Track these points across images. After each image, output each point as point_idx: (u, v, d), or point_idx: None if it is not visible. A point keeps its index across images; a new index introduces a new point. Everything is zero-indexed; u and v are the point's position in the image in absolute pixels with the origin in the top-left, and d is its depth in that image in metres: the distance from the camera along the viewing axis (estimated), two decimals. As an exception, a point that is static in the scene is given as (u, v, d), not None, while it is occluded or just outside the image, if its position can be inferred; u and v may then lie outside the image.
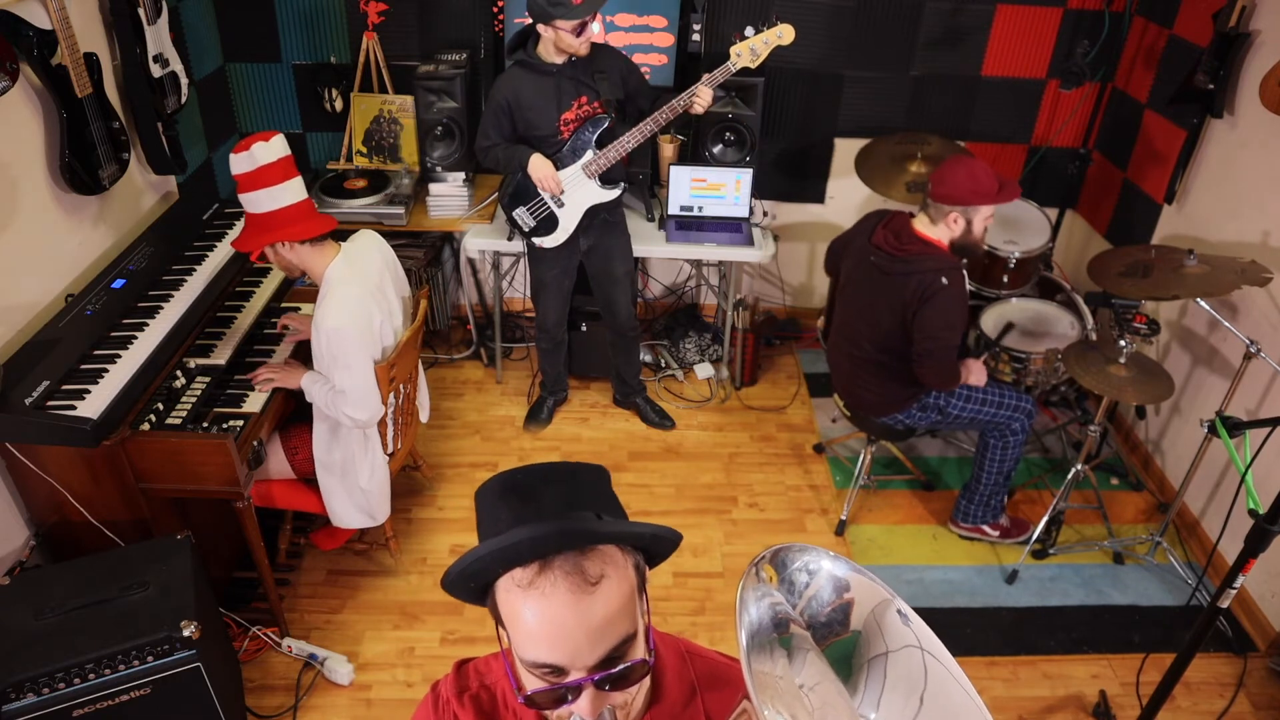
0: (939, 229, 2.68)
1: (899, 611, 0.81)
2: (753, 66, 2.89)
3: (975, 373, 2.87)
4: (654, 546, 0.98)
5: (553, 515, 0.91)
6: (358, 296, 2.38)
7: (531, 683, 0.91)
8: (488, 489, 0.97)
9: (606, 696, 0.90)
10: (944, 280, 2.60)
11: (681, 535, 0.98)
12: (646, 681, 0.97)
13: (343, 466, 2.55)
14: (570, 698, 0.89)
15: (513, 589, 0.88)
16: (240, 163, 2.28)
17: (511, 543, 0.86)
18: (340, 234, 2.51)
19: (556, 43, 2.81)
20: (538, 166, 2.96)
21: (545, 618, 0.86)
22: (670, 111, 2.89)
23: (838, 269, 3.05)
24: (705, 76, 2.88)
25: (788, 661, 0.73)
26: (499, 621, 0.94)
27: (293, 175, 2.35)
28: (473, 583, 0.93)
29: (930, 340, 2.65)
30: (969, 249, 2.72)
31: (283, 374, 2.52)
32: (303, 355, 2.67)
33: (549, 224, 3.13)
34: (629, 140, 2.95)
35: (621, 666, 0.89)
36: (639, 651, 0.92)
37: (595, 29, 2.84)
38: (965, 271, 2.72)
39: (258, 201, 2.33)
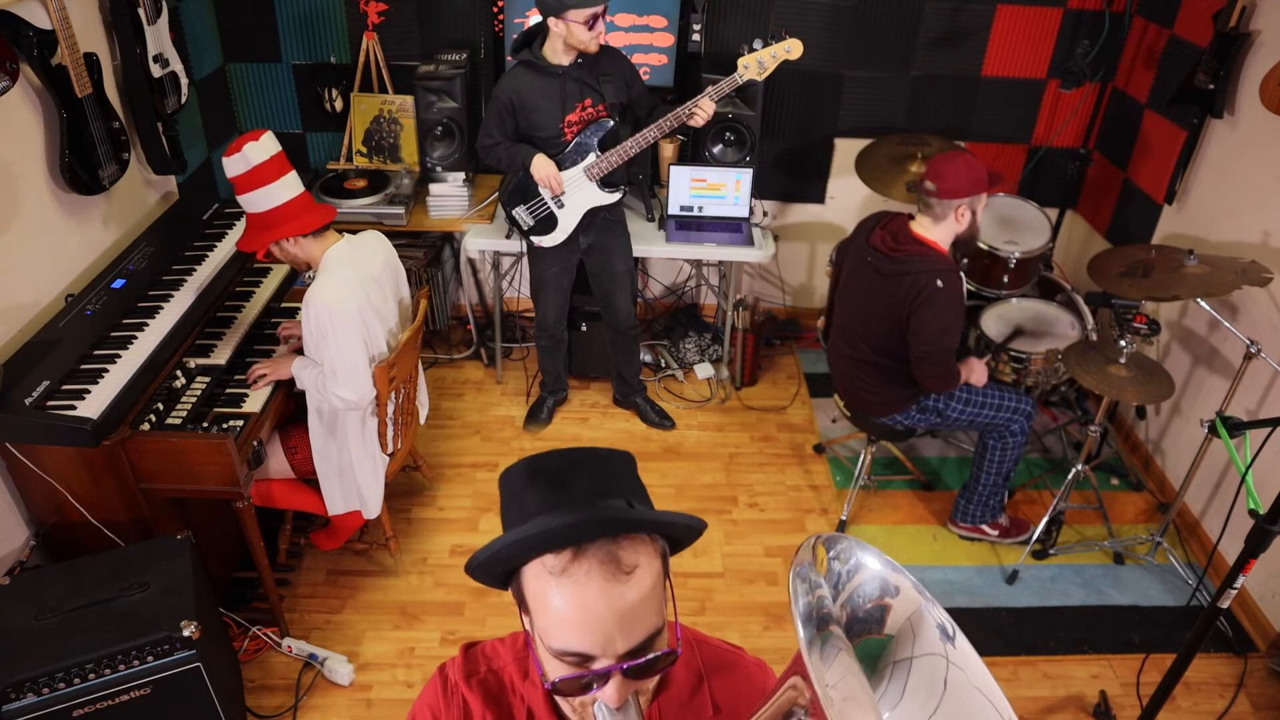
0: (942, 228, 2.67)
1: (940, 626, 0.81)
2: (759, 79, 2.89)
3: (976, 372, 2.87)
4: (680, 535, 0.97)
5: (584, 502, 0.90)
6: (350, 280, 2.39)
7: (557, 670, 0.90)
8: (513, 473, 0.96)
9: (632, 684, 0.90)
10: (939, 283, 2.60)
11: (706, 523, 0.98)
12: None
13: (338, 454, 2.55)
14: (596, 685, 0.89)
15: (544, 575, 0.87)
16: (234, 165, 2.29)
17: (548, 528, 0.85)
18: (342, 234, 2.52)
19: (567, 38, 2.80)
20: (540, 166, 2.96)
21: (578, 605, 0.86)
22: (674, 120, 2.88)
23: (838, 263, 3.06)
24: (710, 88, 2.87)
25: (820, 656, 0.74)
26: (523, 606, 0.93)
27: (286, 171, 2.36)
28: (501, 567, 0.92)
29: (926, 344, 2.65)
30: (971, 240, 2.74)
31: (274, 366, 2.53)
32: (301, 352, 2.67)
33: (548, 224, 3.13)
34: (632, 145, 2.95)
35: (650, 656, 0.89)
36: (666, 642, 0.92)
37: (603, 28, 2.83)
38: (963, 274, 2.71)
39: (256, 201, 2.34)
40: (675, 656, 0.92)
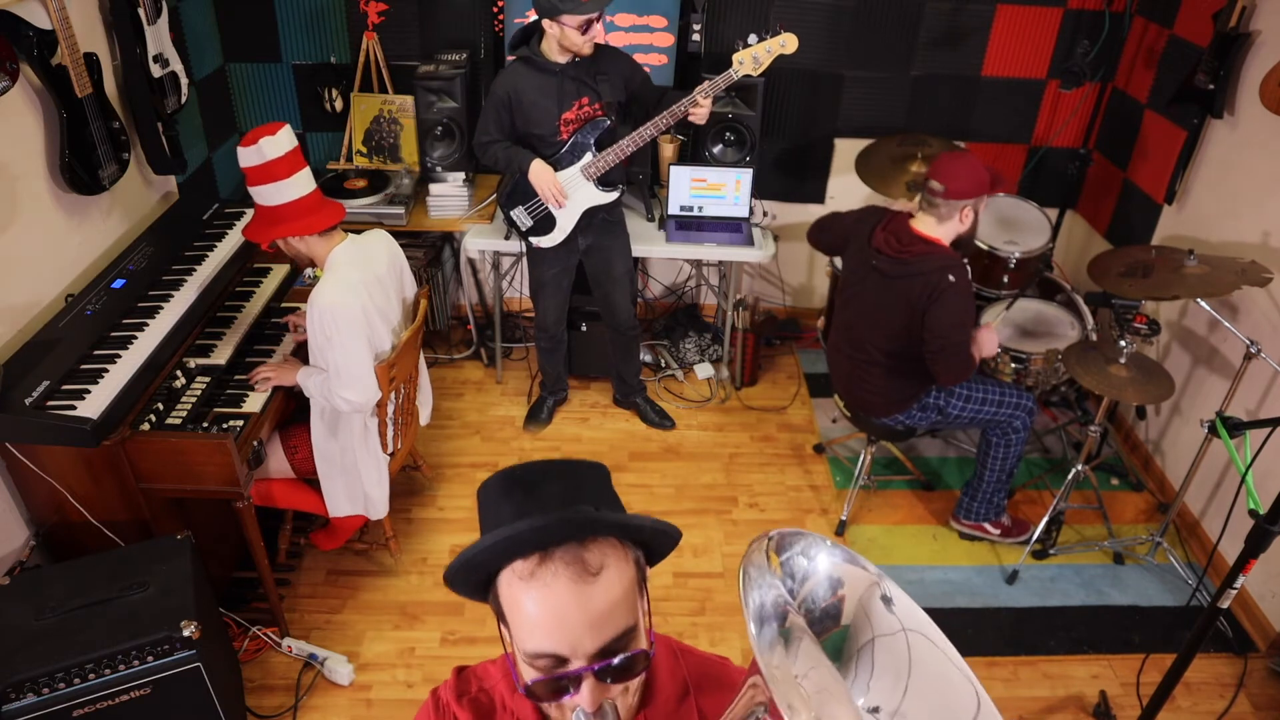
0: (946, 227, 2.67)
1: (884, 597, 0.82)
2: (755, 75, 2.89)
3: (987, 343, 2.80)
4: (654, 543, 0.98)
5: (554, 509, 0.92)
6: (354, 281, 2.39)
7: (531, 674, 0.91)
8: (489, 485, 0.98)
9: (607, 688, 0.91)
10: (950, 278, 2.60)
11: (681, 532, 0.99)
12: (641, 678, 0.97)
13: (341, 456, 2.55)
14: (571, 689, 0.89)
15: (514, 581, 0.90)
16: (248, 157, 2.29)
17: (512, 533, 0.87)
18: (347, 234, 2.52)
19: (561, 40, 2.80)
20: (539, 174, 2.95)
21: (546, 606, 0.87)
22: (670, 117, 2.88)
23: (828, 248, 3.08)
24: (706, 84, 2.87)
25: (784, 650, 0.75)
26: (501, 617, 0.95)
27: (300, 168, 2.36)
28: (474, 575, 0.94)
29: (942, 339, 2.65)
30: (970, 240, 2.74)
31: (279, 371, 2.52)
32: (302, 355, 2.67)
33: (546, 224, 3.12)
34: (628, 144, 2.94)
35: (622, 657, 0.90)
36: (639, 643, 0.93)
37: (599, 29, 2.83)
38: (969, 266, 2.71)
39: (266, 195, 2.35)
40: (648, 656, 0.93)
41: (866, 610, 0.83)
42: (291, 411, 2.70)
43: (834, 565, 0.83)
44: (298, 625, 2.81)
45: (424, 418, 3.01)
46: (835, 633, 0.82)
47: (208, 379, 2.50)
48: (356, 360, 2.37)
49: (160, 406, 2.35)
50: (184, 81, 3.03)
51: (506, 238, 3.34)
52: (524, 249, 3.33)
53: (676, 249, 3.53)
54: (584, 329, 3.72)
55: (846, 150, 3.86)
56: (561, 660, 0.89)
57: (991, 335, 2.85)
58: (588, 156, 3.00)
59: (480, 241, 3.46)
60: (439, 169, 3.50)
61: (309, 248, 2.43)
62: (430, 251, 3.92)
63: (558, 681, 0.89)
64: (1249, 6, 2.91)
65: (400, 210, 3.47)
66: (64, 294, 2.55)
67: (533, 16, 2.89)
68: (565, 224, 3.12)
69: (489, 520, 0.96)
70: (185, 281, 2.68)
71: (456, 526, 3.20)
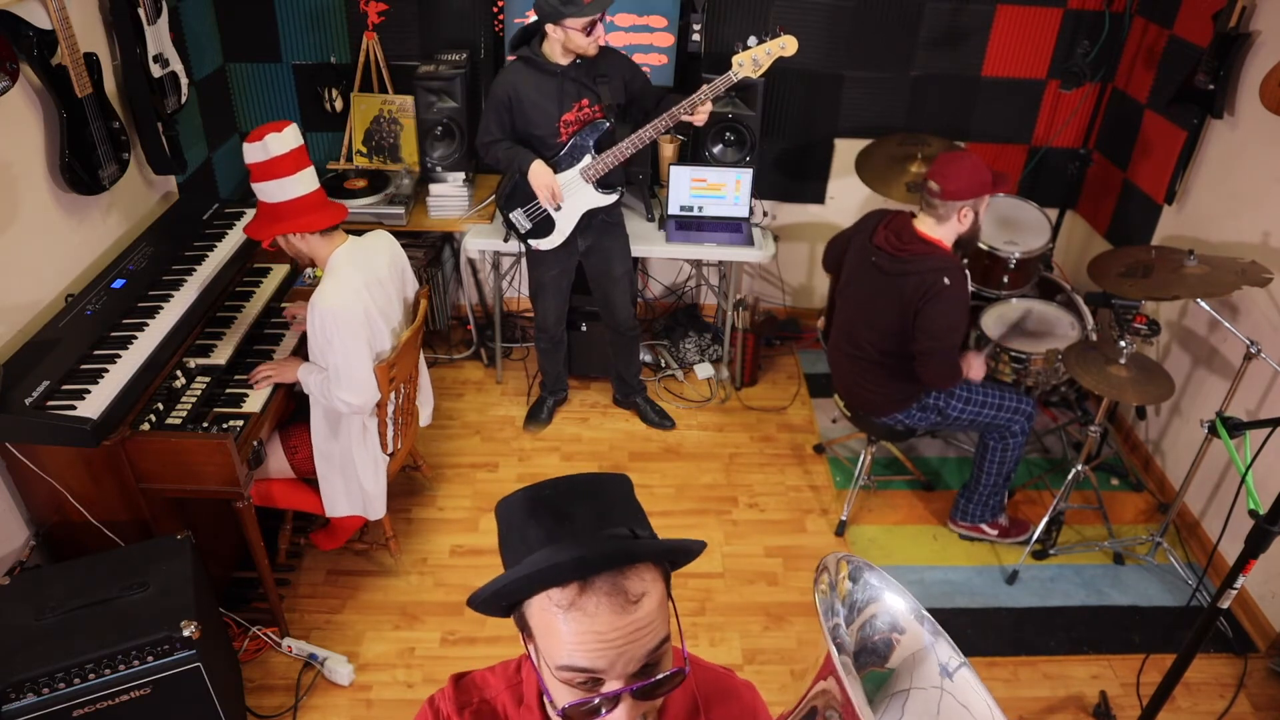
0: (946, 227, 2.68)
1: (941, 666, 0.84)
2: (755, 77, 2.89)
3: (975, 367, 2.87)
4: (680, 557, 0.98)
5: (587, 534, 0.90)
6: (355, 283, 2.39)
7: (565, 695, 0.90)
8: (513, 505, 0.95)
9: (641, 705, 0.90)
10: (946, 280, 2.60)
11: (706, 545, 0.99)
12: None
13: (341, 456, 2.55)
14: (605, 709, 0.89)
15: (550, 608, 0.88)
16: (253, 153, 2.30)
17: (555, 563, 0.85)
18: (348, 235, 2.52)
19: (565, 43, 2.80)
20: (537, 174, 2.95)
21: (588, 634, 0.86)
22: (670, 119, 2.88)
23: (837, 266, 3.05)
24: (706, 86, 2.87)
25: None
26: (527, 633, 0.93)
27: (304, 166, 2.36)
28: (505, 602, 0.93)
29: (931, 340, 2.65)
30: (972, 240, 2.75)
31: (279, 369, 2.52)
32: (303, 352, 2.67)
33: (545, 226, 3.12)
34: (628, 146, 2.94)
35: (659, 676, 0.89)
36: (672, 659, 0.93)
37: (602, 31, 2.83)
38: (968, 272, 2.72)
39: (269, 192, 2.35)
40: (684, 675, 0.92)
41: (916, 663, 0.84)
42: (291, 411, 2.70)
43: (898, 609, 0.85)
44: (298, 625, 2.81)
45: (425, 418, 3.01)
46: (877, 672, 0.84)
47: (208, 379, 2.50)
48: (357, 363, 2.37)
49: (160, 406, 2.35)
50: (184, 81, 3.03)
51: (505, 240, 3.34)
52: (523, 250, 3.33)
53: (676, 249, 3.53)
54: (584, 329, 3.72)
55: (846, 150, 3.86)
56: (598, 679, 0.88)
57: (980, 362, 2.89)
58: (587, 159, 2.99)
59: (480, 241, 3.45)
60: (439, 169, 3.50)
61: (310, 247, 2.43)
62: (430, 251, 3.92)
63: (594, 703, 0.89)
64: (1249, 6, 2.91)
65: (400, 210, 3.47)
66: (64, 294, 2.55)
67: (533, 16, 2.89)
68: (564, 226, 3.12)
69: (514, 545, 0.93)
70: (185, 281, 2.68)
71: (456, 526, 3.20)
